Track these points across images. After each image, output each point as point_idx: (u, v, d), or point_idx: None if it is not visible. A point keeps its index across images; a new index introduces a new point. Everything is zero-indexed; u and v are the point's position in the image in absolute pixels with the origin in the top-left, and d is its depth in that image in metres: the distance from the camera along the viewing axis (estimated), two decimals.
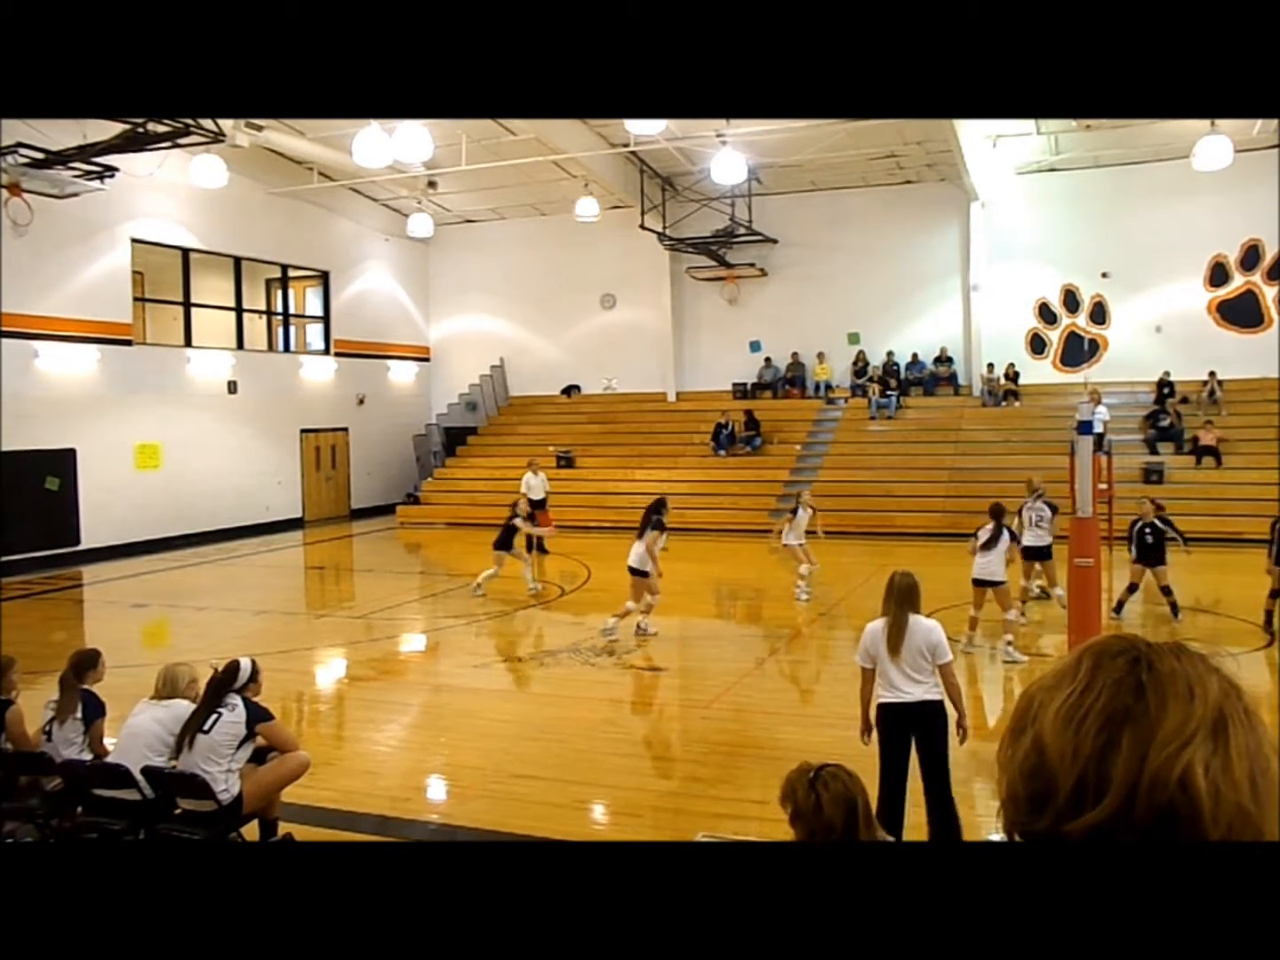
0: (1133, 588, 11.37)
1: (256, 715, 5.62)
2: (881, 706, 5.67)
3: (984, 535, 10.15)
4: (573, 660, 10.56)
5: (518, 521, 13.72)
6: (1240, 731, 0.87)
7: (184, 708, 5.64)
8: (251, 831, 5.74)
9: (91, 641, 10.07)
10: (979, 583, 10.15)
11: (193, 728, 5.47)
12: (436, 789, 7.40)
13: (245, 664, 5.77)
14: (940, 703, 5.62)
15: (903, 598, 5.70)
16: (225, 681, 5.65)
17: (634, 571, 11.14)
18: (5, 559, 15.77)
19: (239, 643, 10.97)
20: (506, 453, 23.33)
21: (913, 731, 5.61)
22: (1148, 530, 11.19)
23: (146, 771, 5.46)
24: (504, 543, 13.77)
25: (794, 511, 13.55)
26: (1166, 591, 11.22)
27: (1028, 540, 11.15)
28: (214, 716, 5.49)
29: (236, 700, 5.58)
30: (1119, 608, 11.31)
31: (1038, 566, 11.65)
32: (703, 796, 6.89)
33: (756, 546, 14.43)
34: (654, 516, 11.28)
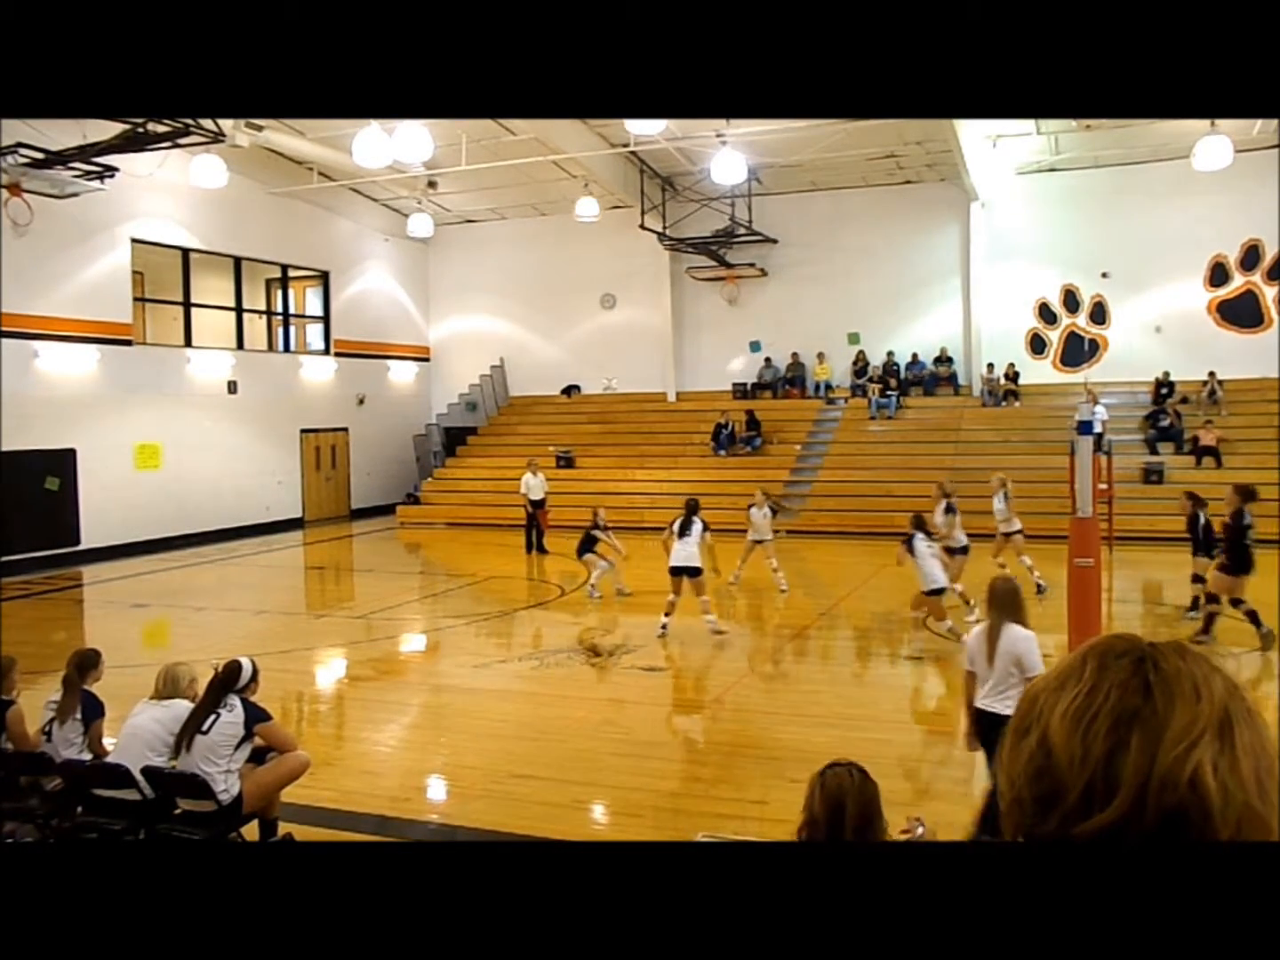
0: (1195, 578, 11.40)
1: (254, 716, 5.62)
2: (976, 709, 5.50)
3: (930, 545, 10.45)
4: (573, 660, 10.56)
5: (597, 532, 13.77)
6: (1245, 730, 0.87)
7: (184, 708, 5.64)
8: (251, 831, 5.74)
9: (91, 641, 10.07)
10: (940, 592, 10.34)
11: (191, 729, 5.47)
12: (436, 789, 7.40)
13: (246, 665, 5.76)
14: None
15: (1000, 605, 5.47)
16: (226, 683, 5.64)
17: (691, 571, 11.17)
18: (5, 559, 15.77)
19: (239, 643, 10.96)
20: (506, 453, 23.31)
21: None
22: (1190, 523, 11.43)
23: (146, 771, 5.46)
24: (585, 549, 13.86)
25: (749, 509, 13.87)
26: (1194, 579, 11.33)
27: (962, 540, 11.70)
28: (212, 717, 5.49)
29: (235, 701, 5.58)
30: (1207, 627, 10.22)
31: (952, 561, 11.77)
32: (703, 796, 6.88)
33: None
34: (697, 515, 11.36)
